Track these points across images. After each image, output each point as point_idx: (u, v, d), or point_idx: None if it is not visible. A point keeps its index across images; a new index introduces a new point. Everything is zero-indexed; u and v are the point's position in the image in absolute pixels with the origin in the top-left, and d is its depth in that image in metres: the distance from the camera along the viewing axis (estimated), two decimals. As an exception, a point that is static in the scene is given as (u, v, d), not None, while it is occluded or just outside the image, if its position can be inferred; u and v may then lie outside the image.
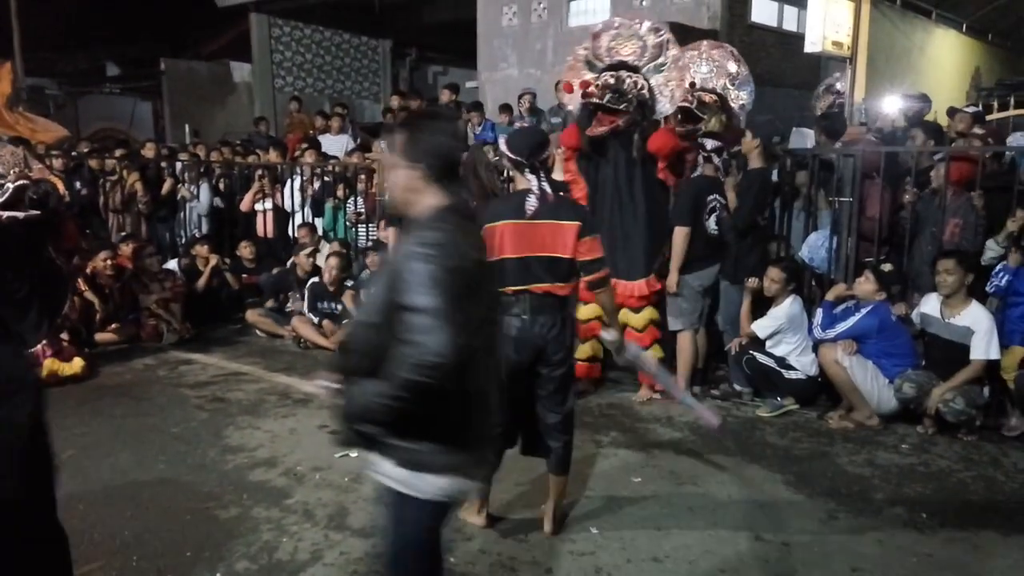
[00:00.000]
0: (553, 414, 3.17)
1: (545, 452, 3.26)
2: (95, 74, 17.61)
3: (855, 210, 5.08)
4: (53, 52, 16.76)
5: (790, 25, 11.90)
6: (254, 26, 15.21)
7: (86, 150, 8.93)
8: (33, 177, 3.00)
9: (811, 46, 10.77)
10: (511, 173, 3.32)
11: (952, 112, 7.34)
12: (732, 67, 5.35)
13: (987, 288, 4.54)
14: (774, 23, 11.77)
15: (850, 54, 10.34)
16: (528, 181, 3.12)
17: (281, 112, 14.23)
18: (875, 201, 5.03)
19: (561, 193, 3.52)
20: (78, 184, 7.92)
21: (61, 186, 2.95)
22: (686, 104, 5.15)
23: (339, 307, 6.46)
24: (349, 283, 6.58)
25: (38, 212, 2.74)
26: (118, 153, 8.73)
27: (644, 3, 10.77)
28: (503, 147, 3.27)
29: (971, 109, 7.17)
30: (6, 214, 2.70)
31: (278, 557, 3.08)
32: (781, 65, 9.68)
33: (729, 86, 5.30)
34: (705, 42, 5.72)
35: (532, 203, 3.07)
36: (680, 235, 4.88)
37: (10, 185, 2.78)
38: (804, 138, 5.80)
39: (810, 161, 5.41)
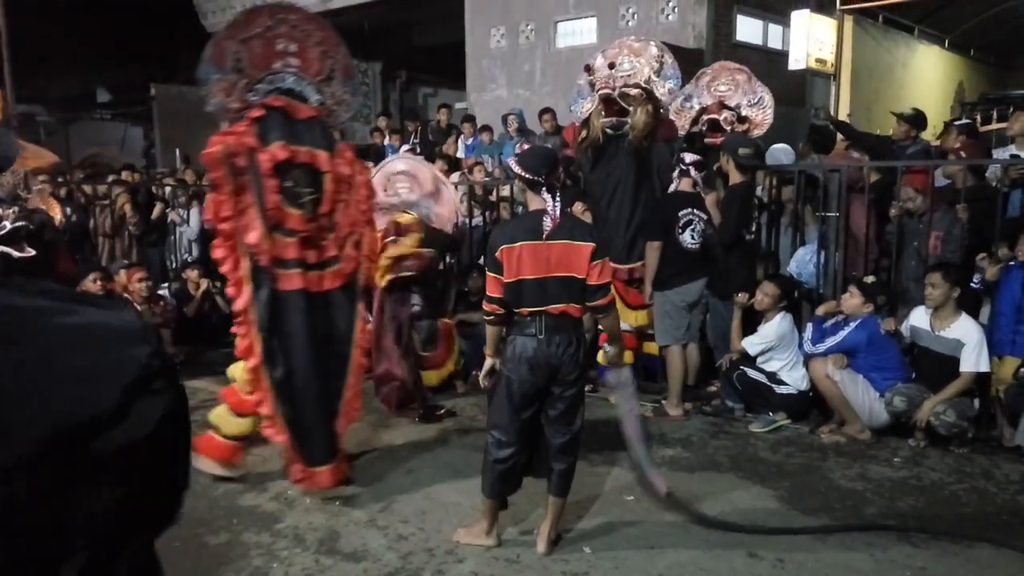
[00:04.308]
0: (561, 435, 3.17)
1: (547, 473, 3.25)
2: (86, 100, 17.69)
3: (841, 225, 5.11)
4: (44, 78, 16.82)
5: (775, 43, 12.02)
6: (244, 51, 15.29)
7: (80, 176, 8.92)
8: (30, 207, 3.13)
9: (795, 63, 10.92)
10: (524, 193, 3.21)
11: (947, 127, 7.43)
12: (654, 58, 5.20)
13: (971, 284, 4.60)
14: (759, 41, 11.89)
15: (834, 71, 10.46)
16: (543, 201, 3.10)
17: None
18: (860, 216, 5.07)
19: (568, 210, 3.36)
20: (68, 210, 7.90)
21: (58, 210, 3.05)
22: (606, 91, 5.03)
23: None
24: None
25: (33, 252, 2.88)
26: (110, 179, 8.71)
27: (630, 24, 10.90)
28: (515, 166, 3.16)
29: (961, 123, 7.24)
30: (1, 248, 2.82)
31: (269, 583, 3.05)
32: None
33: (655, 78, 5.18)
34: (627, 38, 5.59)
35: (548, 223, 3.05)
36: (651, 249, 4.97)
37: (7, 224, 2.91)
38: (781, 154, 5.82)
39: (796, 177, 5.44)
